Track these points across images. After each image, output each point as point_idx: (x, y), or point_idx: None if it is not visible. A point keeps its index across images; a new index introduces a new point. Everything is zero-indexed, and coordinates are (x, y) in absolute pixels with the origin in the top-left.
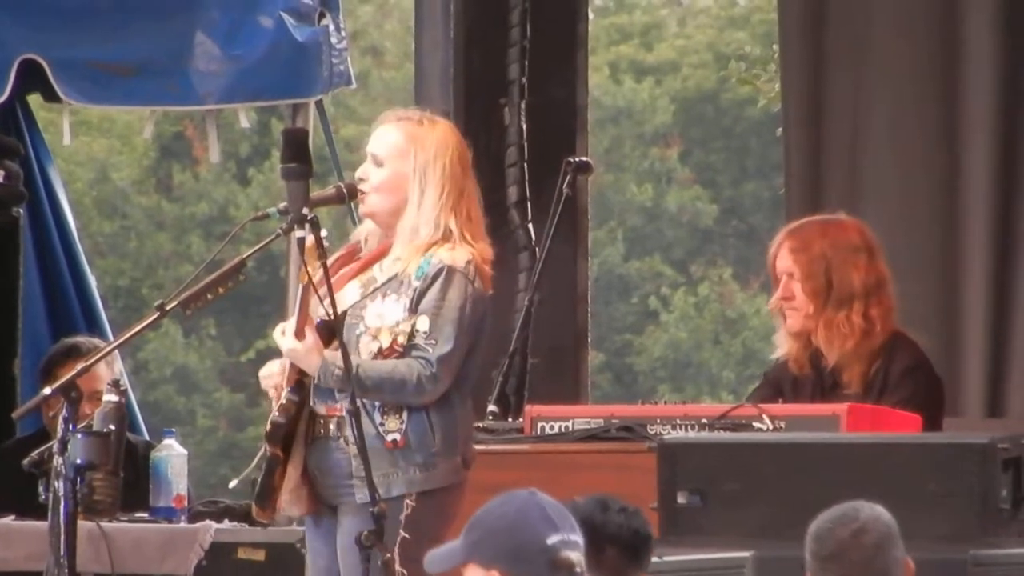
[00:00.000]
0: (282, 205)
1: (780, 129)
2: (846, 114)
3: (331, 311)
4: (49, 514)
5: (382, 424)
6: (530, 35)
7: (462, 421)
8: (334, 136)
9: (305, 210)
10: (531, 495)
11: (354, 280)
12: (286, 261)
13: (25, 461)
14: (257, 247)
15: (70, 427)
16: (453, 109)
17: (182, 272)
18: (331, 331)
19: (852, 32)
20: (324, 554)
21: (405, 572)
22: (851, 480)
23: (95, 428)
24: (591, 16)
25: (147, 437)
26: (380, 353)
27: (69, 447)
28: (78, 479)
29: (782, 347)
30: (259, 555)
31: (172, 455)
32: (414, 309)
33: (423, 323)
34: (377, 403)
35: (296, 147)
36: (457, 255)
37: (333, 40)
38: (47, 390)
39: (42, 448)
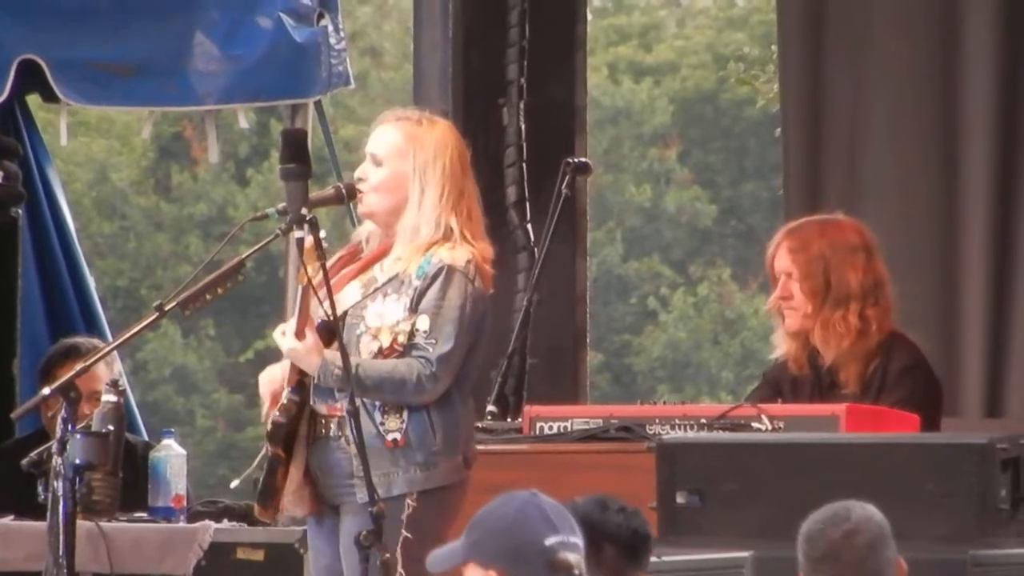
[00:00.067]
0: (281, 205)
1: (779, 129)
2: (845, 114)
3: (330, 312)
4: (48, 514)
5: (383, 423)
6: (529, 36)
7: (463, 420)
8: (333, 137)
9: (304, 211)
10: (532, 496)
11: (355, 280)
12: (285, 262)
13: (24, 461)
14: (256, 247)
15: (69, 427)
16: (452, 109)
17: (181, 273)
18: (331, 331)
19: (851, 32)
20: (326, 553)
21: (404, 573)
22: (850, 480)
23: (94, 428)
24: (590, 17)
25: (146, 437)
26: (380, 353)
27: (68, 447)
28: (77, 479)
29: (780, 347)
30: (258, 555)
31: (171, 455)
32: (414, 308)
33: (423, 322)
34: (378, 402)
35: (295, 148)
36: (457, 254)
37: (332, 41)
38: (46, 390)
39: (41, 448)
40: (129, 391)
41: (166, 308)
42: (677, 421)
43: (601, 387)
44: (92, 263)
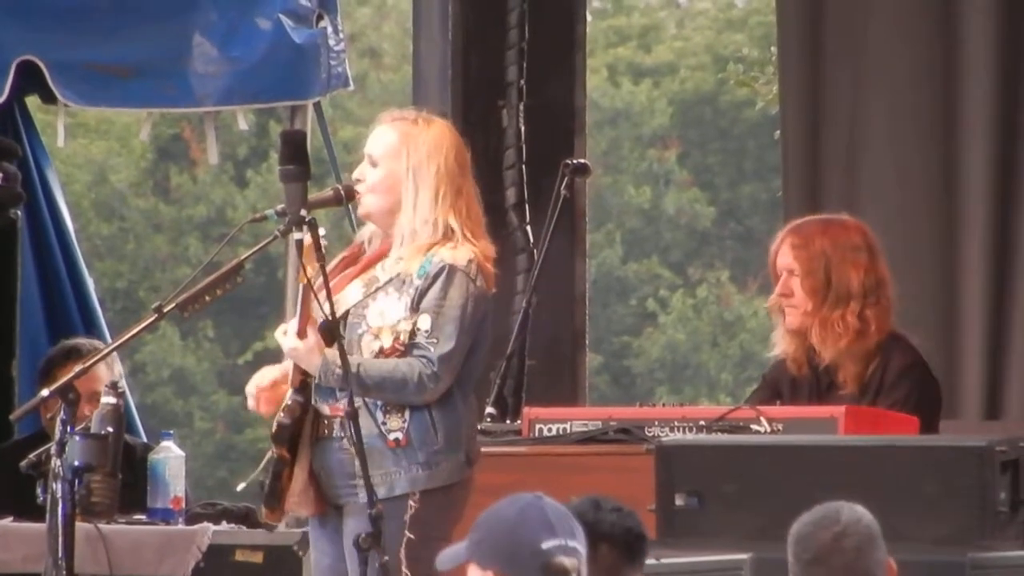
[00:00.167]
0: (280, 207)
1: (778, 131)
2: (844, 116)
3: (329, 312)
4: (47, 516)
5: (384, 423)
6: (528, 37)
7: (465, 419)
8: (332, 138)
9: (303, 212)
10: (536, 499)
11: (357, 280)
12: (284, 263)
13: (23, 463)
14: (255, 249)
15: (68, 429)
16: (451, 111)
17: (180, 274)
18: (332, 332)
19: (850, 34)
20: (329, 553)
21: (409, 574)
22: (849, 482)
23: (93, 430)
24: (589, 18)
25: (145, 439)
26: (382, 352)
27: (67, 449)
28: (76, 481)
29: (779, 345)
30: (257, 557)
31: (170, 457)
32: (415, 308)
33: (424, 322)
34: (379, 402)
35: (294, 149)
36: (459, 254)
37: (331, 42)
38: (45, 392)
39: (40, 450)
40: (128, 393)
41: (165, 310)
42: (676, 423)
43: (600, 389)
44: (91, 264)
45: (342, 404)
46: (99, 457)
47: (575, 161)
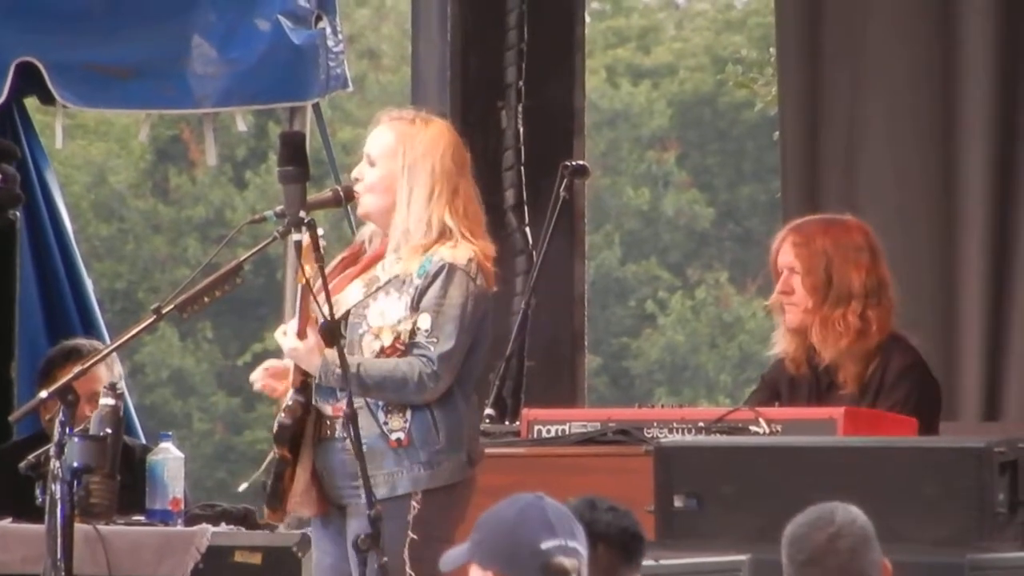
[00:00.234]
0: (279, 208)
1: (777, 132)
2: (843, 116)
3: (328, 313)
4: (46, 517)
5: (386, 423)
6: (527, 38)
7: (466, 418)
8: (331, 139)
9: (302, 213)
10: (537, 499)
11: (357, 280)
12: (283, 264)
13: (22, 464)
14: (254, 250)
15: (67, 430)
16: (450, 112)
17: (179, 275)
18: (332, 332)
19: (849, 34)
20: (331, 553)
21: (412, 574)
22: (847, 484)
23: (92, 432)
24: (588, 19)
25: (144, 440)
26: (382, 351)
27: (66, 450)
28: (75, 482)
29: (779, 344)
30: (256, 558)
31: (169, 458)
32: (416, 307)
33: (424, 321)
34: (380, 402)
35: (293, 150)
36: (459, 253)
37: (330, 43)
38: (43, 393)
39: (39, 451)
40: (127, 394)
41: (164, 311)
42: (675, 424)
43: (599, 390)
44: (90, 265)
45: (343, 404)
46: (98, 458)
47: (574, 162)
